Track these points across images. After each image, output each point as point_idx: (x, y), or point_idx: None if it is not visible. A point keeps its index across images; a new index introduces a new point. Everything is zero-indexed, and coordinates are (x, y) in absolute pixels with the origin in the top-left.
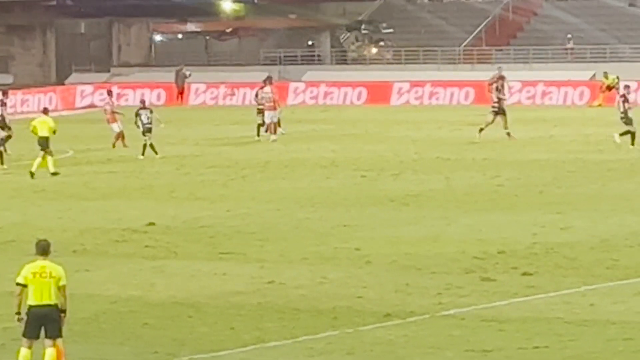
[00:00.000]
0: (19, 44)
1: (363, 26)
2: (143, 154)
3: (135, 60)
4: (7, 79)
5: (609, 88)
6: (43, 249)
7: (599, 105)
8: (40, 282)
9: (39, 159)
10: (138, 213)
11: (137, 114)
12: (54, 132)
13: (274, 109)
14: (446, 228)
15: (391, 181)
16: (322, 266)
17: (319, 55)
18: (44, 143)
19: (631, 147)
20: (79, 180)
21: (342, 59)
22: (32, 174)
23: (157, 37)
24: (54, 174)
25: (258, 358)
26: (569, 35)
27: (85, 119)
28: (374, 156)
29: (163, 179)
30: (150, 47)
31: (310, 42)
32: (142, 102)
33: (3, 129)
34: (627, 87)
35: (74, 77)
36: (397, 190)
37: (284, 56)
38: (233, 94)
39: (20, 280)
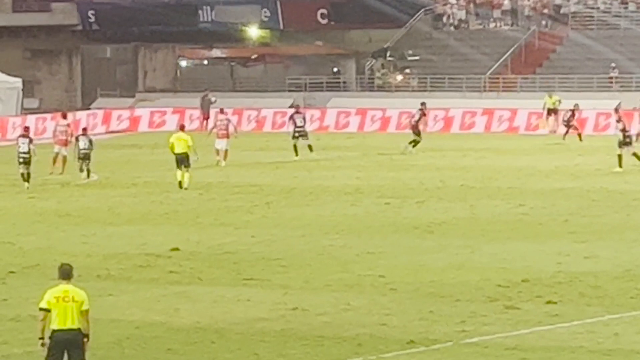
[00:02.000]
0: (45, 69)
1: (388, 53)
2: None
3: (160, 85)
4: (33, 103)
5: (550, 111)
6: (66, 273)
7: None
8: (63, 306)
9: (179, 172)
10: (162, 238)
11: (77, 139)
12: (190, 147)
13: (226, 137)
14: (470, 256)
15: (415, 209)
16: (346, 293)
17: (344, 82)
18: (181, 159)
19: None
20: (104, 205)
21: (367, 86)
22: (180, 184)
23: (183, 63)
24: (186, 189)
25: None
26: (613, 65)
27: (109, 144)
28: (398, 183)
29: (188, 205)
30: (176, 72)
31: (335, 69)
32: (84, 129)
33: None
34: (573, 111)
35: (99, 101)
36: (422, 217)
37: (309, 82)
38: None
39: (43, 305)
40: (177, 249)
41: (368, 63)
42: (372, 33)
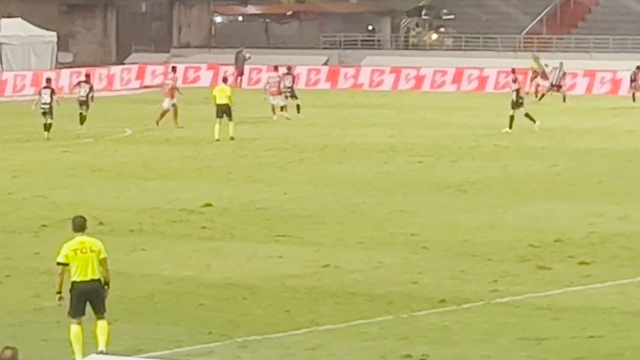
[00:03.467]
0: (80, 23)
1: (424, 12)
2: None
3: (195, 41)
4: (68, 57)
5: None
6: (80, 225)
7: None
8: (83, 258)
9: (217, 125)
10: (195, 194)
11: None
12: (230, 98)
13: (278, 93)
14: (503, 216)
15: (449, 168)
16: (378, 251)
17: (379, 41)
18: (223, 110)
19: None
20: (137, 160)
21: (402, 45)
22: (217, 140)
23: (218, 19)
24: (232, 138)
25: (312, 341)
26: None
27: (143, 99)
28: (432, 142)
29: (221, 161)
30: (211, 28)
31: (370, 27)
32: (48, 80)
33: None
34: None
35: (133, 57)
36: (455, 177)
37: (344, 40)
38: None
39: (60, 259)
40: (210, 205)
41: (403, 21)
42: None
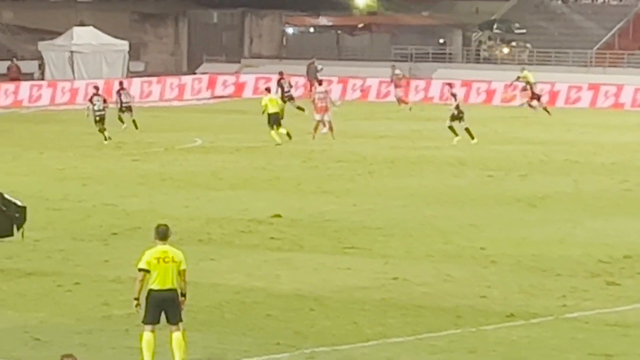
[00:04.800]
0: (151, 32)
1: (495, 25)
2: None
3: (266, 52)
4: (139, 66)
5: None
6: (163, 234)
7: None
8: (164, 267)
9: (273, 132)
10: (264, 204)
11: (91, 100)
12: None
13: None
14: (572, 231)
15: (518, 182)
16: (447, 264)
17: (450, 54)
18: (276, 118)
19: None
20: (207, 170)
21: (473, 58)
22: (278, 144)
23: (289, 30)
24: (279, 144)
25: (380, 353)
26: None
27: (214, 109)
28: (502, 156)
29: (290, 172)
30: (282, 39)
31: (441, 40)
32: (97, 88)
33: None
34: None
35: (204, 66)
36: (524, 191)
37: (415, 53)
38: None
39: (143, 265)
40: (279, 216)
41: (475, 35)
42: (479, 4)
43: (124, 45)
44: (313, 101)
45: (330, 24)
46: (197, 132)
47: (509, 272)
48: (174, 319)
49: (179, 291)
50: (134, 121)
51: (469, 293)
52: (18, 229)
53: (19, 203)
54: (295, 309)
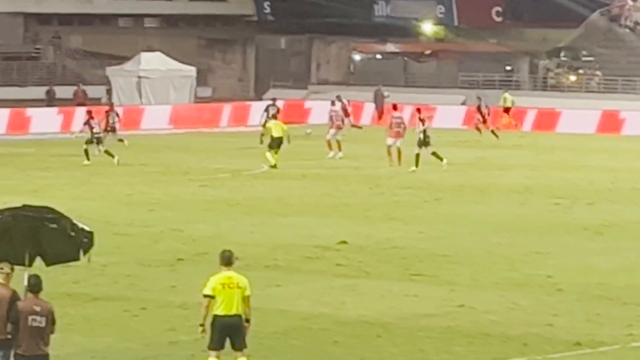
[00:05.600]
0: (219, 58)
1: (563, 53)
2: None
3: (333, 78)
4: (206, 92)
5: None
6: (228, 259)
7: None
8: (229, 293)
9: (269, 154)
10: (331, 231)
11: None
12: (285, 132)
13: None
14: (639, 259)
15: (585, 210)
16: (513, 292)
17: (517, 81)
18: (278, 143)
19: None
20: (274, 196)
21: (540, 85)
22: (274, 166)
23: (357, 56)
24: (272, 166)
25: None
26: None
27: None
28: (568, 184)
29: (357, 198)
30: (349, 66)
31: (508, 67)
32: (89, 112)
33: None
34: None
35: (272, 92)
36: (591, 219)
37: (482, 80)
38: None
39: (208, 291)
40: (345, 242)
41: (542, 62)
42: (546, 32)
43: (191, 70)
44: (390, 126)
45: (398, 50)
46: (263, 158)
47: (576, 300)
48: (239, 344)
49: (243, 317)
50: (106, 151)
51: (536, 321)
52: (85, 254)
53: (87, 228)
54: (361, 336)
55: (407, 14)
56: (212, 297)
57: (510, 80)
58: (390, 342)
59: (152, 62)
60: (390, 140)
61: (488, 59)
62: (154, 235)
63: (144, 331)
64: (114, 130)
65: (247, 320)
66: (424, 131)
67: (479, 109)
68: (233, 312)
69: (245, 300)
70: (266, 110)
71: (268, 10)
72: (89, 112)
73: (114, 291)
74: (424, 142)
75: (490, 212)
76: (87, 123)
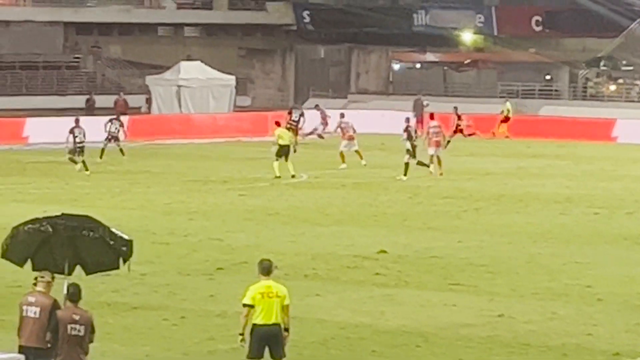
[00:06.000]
0: (258, 68)
1: (602, 63)
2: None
3: (372, 87)
4: (245, 101)
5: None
6: (267, 269)
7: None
8: (268, 302)
9: (276, 163)
10: (370, 240)
11: (72, 131)
12: (292, 140)
13: (437, 145)
14: None
15: (625, 220)
16: (553, 302)
17: (556, 90)
18: (286, 151)
19: None
20: (313, 205)
21: (580, 95)
22: (277, 177)
23: (396, 66)
24: (293, 175)
25: None
26: None
27: (319, 144)
28: (608, 194)
29: (396, 208)
30: (389, 75)
31: (548, 77)
32: (77, 120)
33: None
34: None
35: (311, 102)
36: (632, 229)
37: (522, 89)
38: None
39: (247, 301)
40: (385, 252)
41: (581, 72)
42: (586, 42)
43: (231, 80)
44: (428, 135)
45: (437, 59)
46: (302, 167)
47: (616, 311)
48: (278, 354)
49: (282, 326)
50: (83, 162)
51: (575, 331)
52: (124, 263)
53: (126, 237)
54: (400, 345)
55: (447, 24)
56: (251, 306)
57: (550, 90)
58: (430, 352)
59: (192, 71)
60: (431, 150)
61: (527, 68)
62: (193, 245)
63: (183, 340)
64: (116, 139)
65: (286, 330)
66: (412, 141)
67: (459, 117)
68: (272, 321)
69: (285, 309)
70: (290, 114)
71: (307, 19)
72: (76, 121)
73: (153, 300)
74: (412, 152)
75: (529, 221)
76: (71, 132)
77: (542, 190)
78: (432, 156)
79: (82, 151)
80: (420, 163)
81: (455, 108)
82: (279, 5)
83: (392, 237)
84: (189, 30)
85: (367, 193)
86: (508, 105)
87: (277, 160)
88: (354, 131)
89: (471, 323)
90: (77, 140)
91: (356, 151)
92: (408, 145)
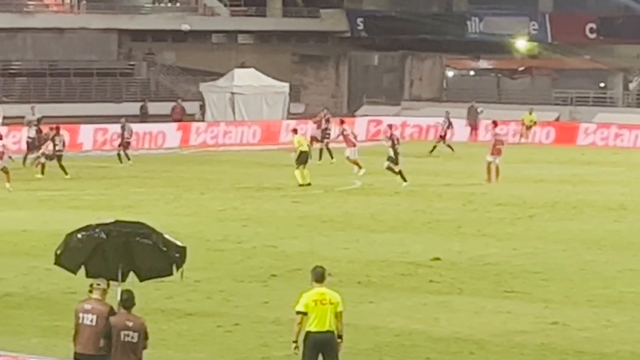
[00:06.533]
0: (312, 74)
1: None
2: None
3: (426, 94)
4: (299, 108)
5: (529, 127)
6: (320, 276)
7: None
8: (321, 309)
9: (298, 172)
10: (424, 247)
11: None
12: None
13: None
14: None
15: None
16: (607, 309)
17: (611, 97)
18: (305, 158)
19: None
20: (367, 212)
21: (634, 102)
22: (306, 185)
23: (450, 73)
24: (309, 184)
25: None
26: None
27: (372, 151)
28: None
29: (450, 214)
30: (442, 82)
31: (602, 84)
32: (57, 128)
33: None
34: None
35: (364, 109)
36: None
37: (576, 97)
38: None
39: (300, 308)
40: (439, 259)
41: (636, 78)
42: None
43: (284, 87)
44: (493, 142)
45: (491, 66)
46: (356, 174)
47: None
48: None
49: (336, 333)
50: (61, 166)
51: (630, 338)
52: (178, 269)
53: (179, 243)
54: (454, 352)
55: (500, 31)
56: (304, 313)
57: (605, 97)
58: (484, 359)
59: (246, 78)
60: (490, 157)
61: (582, 75)
62: (247, 251)
63: (237, 347)
64: (128, 144)
65: (340, 337)
66: (394, 148)
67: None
68: (326, 328)
69: (338, 316)
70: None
71: (361, 26)
72: (57, 128)
73: (207, 307)
74: (395, 160)
75: (583, 228)
76: (52, 139)
77: (596, 197)
78: (489, 163)
79: (60, 158)
80: (389, 168)
81: (447, 112)
82: (333, 12)
83: (446, 244)
84: (242, 38)
85: (420, 200)
86: (534, 116)
87: (297, 168)
88: (355, 137)
89: (525, 330)
90: (58, 148)
91: (354, 160)
92: (391, 152)
